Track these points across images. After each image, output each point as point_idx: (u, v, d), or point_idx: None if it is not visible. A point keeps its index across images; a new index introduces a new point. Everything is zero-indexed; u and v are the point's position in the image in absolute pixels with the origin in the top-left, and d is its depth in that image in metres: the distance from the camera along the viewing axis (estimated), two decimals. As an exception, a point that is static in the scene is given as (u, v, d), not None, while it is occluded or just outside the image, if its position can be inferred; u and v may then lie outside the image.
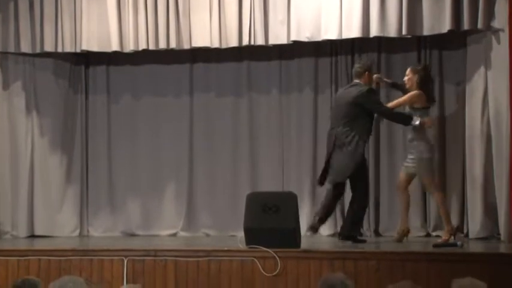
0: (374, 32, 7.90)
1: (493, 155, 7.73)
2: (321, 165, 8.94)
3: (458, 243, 7.16)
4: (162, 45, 8.44)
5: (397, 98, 7.95)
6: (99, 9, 8.54)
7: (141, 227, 9.29)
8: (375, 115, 7.85)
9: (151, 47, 8.45)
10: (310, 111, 9.07)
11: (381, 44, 8.80)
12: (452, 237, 7.56)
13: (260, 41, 8.24)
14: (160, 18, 8.41)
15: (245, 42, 8.28)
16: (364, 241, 7.78)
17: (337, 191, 7.84)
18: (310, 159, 9.02)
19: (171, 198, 9.32)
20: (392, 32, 7.87)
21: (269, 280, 6.70)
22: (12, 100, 8.99)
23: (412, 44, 8.68)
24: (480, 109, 7.90)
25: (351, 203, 7.79)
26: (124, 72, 9.48)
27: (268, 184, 8.98)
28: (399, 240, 7.79)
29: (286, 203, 7.06)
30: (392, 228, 8.37)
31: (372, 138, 8.20)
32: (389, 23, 7.84)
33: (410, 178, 7.80)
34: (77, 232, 9.28)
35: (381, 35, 7.95)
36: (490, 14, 7.60)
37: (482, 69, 7.88)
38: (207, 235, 9.12)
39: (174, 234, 9.17)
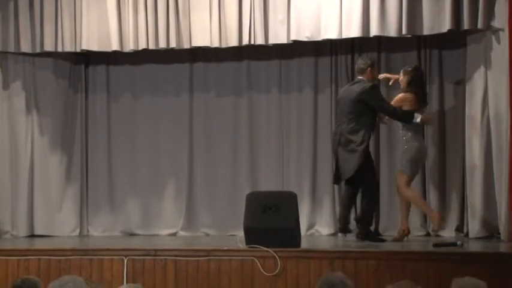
0: (374, 31, 7.90)
1: (493, 155, 7.73)
2: (320, 164, 9.03)
3: (458, 242, 7.16)
4: (162, 44, 8.44)
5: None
6: (99, 9, 8.54)
7: (141, 227, 9.29)
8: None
9: (151, 46, 8.45)
10: (310, 110, 9.08)
11: (381, 43, 8.81)
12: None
13: (260, 40, 8.24)
14: (160, 17, 8.41)
15: (245, 41, 8.28)
16: (383, 240, 7.79)
17: (351, 189, 7.95)
18: (310, 159, 9.03)
19: (171, 198, 9.32)
20: (392, 32, 7.87)
21: (269, 280, 6.70)
22: (12, 99, 8.99)
23: (412, 43, 8.68)
24: (480, 109, 7.90)
25: (361, 200, 7.89)
26: (124, 72, 9.48)
27: (268, 183, 8.99)
28: (399, 239, 7.80)
29: (286, 202, 7.06)
30: (392, 227, 8.37)
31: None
32: (389, 23, 7.84)
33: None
34: (77, 232, 9.28)
35: (381, 34, 7.95)
36: (490, 14, 7.60)
37: (482, 68, 7.88)
38: (207, 235, 9.12)
39: (174, 234, 9.18)
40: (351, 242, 8.00)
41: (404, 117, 7.78)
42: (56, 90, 9.24)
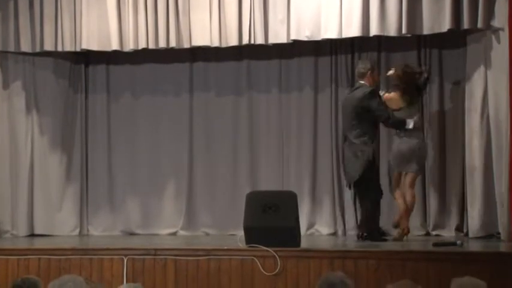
0: (374, 31, 7.90)
1: (493, 154, 7.73)
2: (320, 164, 9.05)
3: (458, 242, 7.16)
4: (162, 44, 8.43)
5: None
6: (99, 8, 8.54)
7: (140, 226, 9.29)
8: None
9: (151, 46, 8.45)
10: (310, 110, 9.08)
11: (381, 43, 8.81)
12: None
13: (260, 40, 8.24)
14: (160, 17, 8.40)
15: (245, 41, 8.28)
16: (385, 240, 7.79)
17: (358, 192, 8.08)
18: (310, 158, 9.03)
19: (171, 197, 9.32)
20: (392, 31, 7.87)
21: (269, 279, 6.70)
22: (12, 99, 8.99)
23: (412, 43, 8.68)
24: (480, 108, 7.90)
25: (363, 201, 7.98)
26: (124, 72, 9.48)
27: (268, 183, 8.99)
28: (399, 239, 7.79)
29: (286, 202, 7.06)
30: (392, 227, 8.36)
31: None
32: (389, 22, 7.84)
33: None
34: (77, 231, 9.28)
35: (381, 34, 7.94)
36: (489, 13, 7.60)
37: (482, 68, 7.87)
38: (207, 234, 9.12)
39: (174, 233, 9.18)
40: (351, 241, 8.00)
41: (396, 125, 7.88)
42: (56, 90, 9.24)
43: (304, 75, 9.11)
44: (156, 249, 7.03)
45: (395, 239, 7.80)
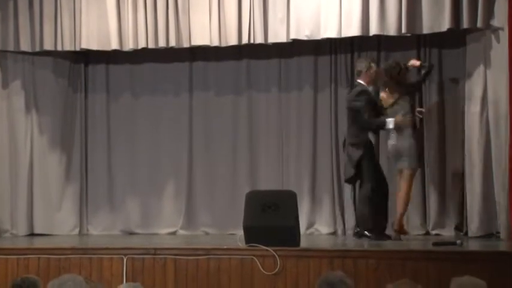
0: (373, 30, 7.90)
1: (493, 154, 7.73)
2: (320, 163, 9.05)
3: (458, 241, 7.15)
4: (162, 43, 8.43)
5: None
6: (99, 8, 8.54)
7: (140, 226, 9.29)
8: (375, 111, 7.99)
9: (151, 45, 8.45)
10: (310, 109, 9.08)
11: (381, 42, 8.80)
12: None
13: (259, 39, 8.24)
14: (160, 16, 8.40)
15: (244, 40, 8.28)
16: (384, 238, 7.80)
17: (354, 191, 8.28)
18: (309, 158, 9.03)
19: (171, 197, 9.32)
20: (391, 31, 7.87)
21: (268, 278, 6.70)
22: (12, 99, 8.99)
23: (411, 42, 8.68)
24: (479, 107, 7.90)
25: (358, 200, 8.14)
26: (123, 71, 9.48)
27: (268, 182, 8.99)
28: (396, 239, 7.78)
29: (286, 201, 7.06)
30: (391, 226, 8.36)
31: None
32: (388, 22, 7.84)
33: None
34: (77, 230, 9.28)
35: (381, 33, 7.95)
36: (489, 13, 7.60)
37: (481, 67, 7.88)
38: (207, 233, 9.12)
39: (174, 233, 9.18)
40: (350, 241, 8.00)
41: (373, 128, 7.97)
42: (55, 89, 9.24)
43: (303, 74, 9.11)
44: (155, 249, 7.03)
45: (394, 239, 7.80)
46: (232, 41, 8.31)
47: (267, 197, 7.13)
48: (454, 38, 8.42)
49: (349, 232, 8.73)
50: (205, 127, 9.32)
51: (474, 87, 7.98)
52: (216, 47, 8.47)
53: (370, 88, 8.08)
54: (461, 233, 8.29)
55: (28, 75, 9.06)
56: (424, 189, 8.66)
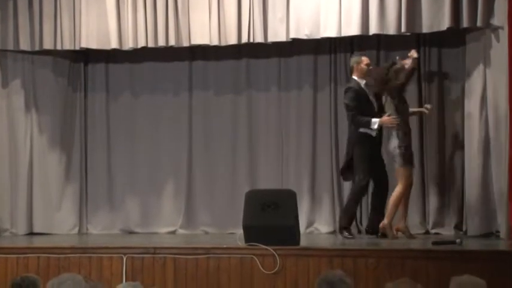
0: (373, 29, 7.90)
1: (492, 153, 7.73)
2: (320, 162, 9.06)
3: (457, 240, 7.15)
4: (161, 42, 8.43)
5: None
6: (98, 7, 8.53)
7: (140, 225, 9.28)
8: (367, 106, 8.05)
9: (151, 44, 8.45)
10: (310, 108, 9.07)
11: (380, 41, 8.80)
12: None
13: (259, 38, 8.24)
14: (160, 15, 8.40)
15: (244, 39, 8.28)
16: (349, 237, 7.91)
17: (372, 189, 8.33)
18: (309, 157, 9.03)
19: (170, 196, 9.32)
20: (391, 30, 7.87)
21: (268, 278, 6.70)
22: (11, 98, 8.99)
23: (411, 41, 8.66)
24: (479, 107, 7.90)
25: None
26: (123, 70, 9.47)
27: (267, 182, 8.98)
28: (391, 237, 7.77)
29: (285, 200, 7.05)
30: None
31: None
32: (388, 21, 7.84)
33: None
34: (76, 230, 9.28)
35: (380, 32, 7.95)
36: (489, 12, 7.60)
37: (481, 66, 7.88)
38: (206, 233, 9.12)
39: (173, 232, 9.17)
40: (350, 240, 8.00)
41: (358, 125, 7.95)
42: (55, 89, 9.24)
43: (303, 73, 9.11)
44: (155, 248, 7.03)
45: (393, 238, 7.80)
46: (232, 40, 8.31)
47: (267, 196, 7.12)
48: (454, 37, 8.42)
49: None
50: (204, 126, 9.32)
51: (474, 86, 7.99)
52: (215, 46, 8.48)
53: (363, 82, 8.08)
54: (461, 232, 8.29)
55: (28, 74, 9.06)
56: (423, 188, 8.66)
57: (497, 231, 7.71)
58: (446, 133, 8.66)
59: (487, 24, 7.63)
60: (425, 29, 7.82)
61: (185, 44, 8.44)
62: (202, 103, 9.33)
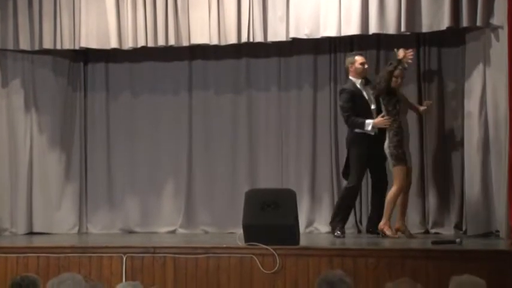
0: (373, 29, 7.90)
1: (492, 152, 7.73)
2: (320, 162, 9.06)
3: (457, 240, 7.16)
4: (161, 42, 8.43)
5: None
6: (98, 6, 8.53)
7: (139, 224, 9.28)
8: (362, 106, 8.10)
9: (150, 44, 8.45)
10: (309, 108, 9.07)
11: (380, 41, 8.79)
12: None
13: (259, 38, 8.24)
14: (159, 15, 8.40)
15: (244, 39, 8.28)
16: (340, 236, 7.98)
17: (372, 189, 8.46)
18: (309, 156, 9.03)
19: (170, 195, 9.32)
20: (391, 29, 7.88)
21: (268, 277, 6.70)
22: (11, 97, 8.99)
23: (411, 41, 8.65)
24: (478, 106, 7.91)
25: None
26: (123, 70, 9.47)
27: (267, 181, 8.98)
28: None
29: (285, 200, 7.05)
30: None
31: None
32: (388, 20, 7.84)
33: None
34: (76, 229, 9.27)
35: (380, 31, 7.95)
36: (489, 11, 7.59)
37: (481, 66, 7.88)
38: (206, 232, 9.12)
39: (173, 231, 9.17)
40: (350, 239, 8.00)
41: (354, 127, 8.03)
42: (54, 88, 9.23)
43: (303, 73, 9.10)
44: (155, 247, 7.03)
45: (394, 237, 7.81)
46: (232, 39, 8.31)
47: (267, 196, 7.12)
48: (454, 37, 8.42)
49: (349, 231, 8.72)
50: (204, 126, 9.31)
51: (473, 85, 7.99)
52: (215, 46, 8.48)
53: (359, 81, 8.09)
54: (461, 232, 8.29)
55: (27, 73, 9.06)
56: (423, 188, 8.65)
57: (497, 231, 7.71)
58: (446, 132, 8.66)
59: (487, 23, 7.63)
60: (425, 28, 7.83)
61: (185, 43, 8.44)
62: (202, 102, 9.32)
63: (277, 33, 8.21)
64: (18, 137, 9.00)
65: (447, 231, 8.47)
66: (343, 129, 8.54)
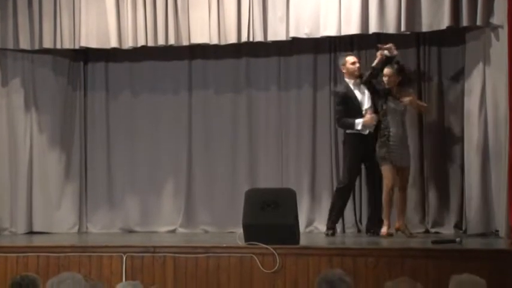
0: (373, 28, 7.90)
1: (491, 151, 7.73)
2: (320, 161, 9.06)
3: (457, 239, 7.16)
4: (161, 41, 8.44)
5: None
6: (98, 6, 8.54)
7: (139, 224, 9.28)
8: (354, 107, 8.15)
9: (150, 43, 8.45)
10: (309, 107, 9.07)
11: (380, 40, 8.74)
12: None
13: (259, 37, 8.24)
14: (159, 14, 8.40)
15: (244, 38, 8.28)
16: (330, 236, 8.05)
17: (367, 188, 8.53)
18: (309, 156, 9.03)
19: (170, 195, 9.32)
20: (391, 29, 7.88)
21: (268, 277, 6.70)
22: (11, 97, 8.99)
23: (411, 40, 8.67)
24: (478, 105, 7.91)
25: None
26: (123, 69, 9.47)
27: (267, 180, 8.98)
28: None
29: (285, 199, 7.06)
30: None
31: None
32: (388, 20, 7.84)
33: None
34: (76, 229, 9.27)
35: (380, 31, 7.95)
36: (489, 11, 7.59)
37: (480, 65, 7.88)
38: (206, 232, 9.12)
39: (173, 231, 9.17)
40: (349, 239, 8.00)
41: (345, 127, 8.15)
42: (54, 88, 9.23)
43: (303, 72, 9.10)
44: (155, 247, 7.04)
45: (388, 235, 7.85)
46: (232, 39, 8.31)
47: (267, 195, 7.13)
48: (454, 36, 8.41)
49: (348, 230, 8.74)
50: (204, 125, 9.31)
51: (473, 84, 7.99)
52: (215, 45, 8.48)
53: (352, 82, 8.10)
54: (461, 231, 8.29)
55: (27, 73, 9.06)
56: (423, 187, 8.65)
57: (497, 230, 7.71)
58: (445, 131, 8.66)
59: (487, 23, 7.63)
60: (425, 27, 7.83)
61: (185, 43, 8.44)
62: (202, 102, 9.32)
63: (277, 33, 8.21)
64: (18, 136, 9.00)
65: (447, 230, 8.47)
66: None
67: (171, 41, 8.42)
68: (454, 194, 8.54)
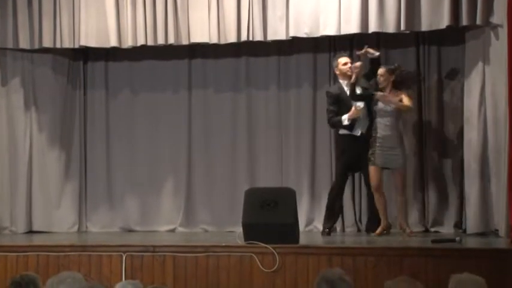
0: (373, 27, 7.90)
1: (491, 151, 7.73)
2: (319, 161, 9.07)
3: (457, 238, 7.17)
4: (161, 41, 8.43)
5: None
6: (98, 5, 8.53)
7: (139, 223, 9.28)
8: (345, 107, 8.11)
9: (150, 42, 8.45)
10: (309, 107, 9.07)
11: (380, 39, 8.79)
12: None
13: (259, 36, 8.24)
14: (159, 13, 8.40)
15: (244, 38, 8.28)
16: (325, 236, 8.06)
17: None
18: (309, 155, 9.03)
19: (170, 194, 9.32)
20: (390, 28, 7.87)
21: (267, 276, 6.71)
22: (11, 96, 8.99)
23: (410, 39, 8.68)
24: (477, 105, 7.90)
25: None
26: (122, 68, 9.47)
27: (267, 180, 8.98)
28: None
29: (285, 198, 7.06)
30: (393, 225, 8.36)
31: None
32: (388, 19, 7.84)
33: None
34: (76, 228, 9.27)
35: (380, 30, 7.95)
36: (488, 10, 7.59)
37: (480, 64, 7.87)
38: (206, 231, 9.12)
39: (173, 230, 9.18)
40: (349, 238, 8.00)
41: (335, 126, 8.20)
42: (54, 87, 9.23)
43: (302, 72, 9.10)
44: (154, 246, 7.04)
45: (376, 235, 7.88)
46: (231, 38, 8.31)
47: (266, 194, 7.13)
48: (453, 35, 8.41)
49: (348, 229, 8.74)
50: (204, 124, 9.31)
51: (473, 84, 7.99)
52: (215, 45, 8.48)
53: (345, 82, 8.09)
54: (460, 230, 8.29)
55: (27, 72, 9.06)
56: (423, 186, 8.66)
57: (496, 230, 7.71)
58: (445, 131, 8.66)
59: (487, 22, 7.62)
60: (425, 27, 7.83)
61: (184, 42, 8.44)
62: (201, 101, 9.33)
63: (276, 32, 8.21)
64: (17, 135, 9.00)
65: (447, 229, 8.48)
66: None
67: (171, 40, 8.42)
68: (453, 193, 8.54)
